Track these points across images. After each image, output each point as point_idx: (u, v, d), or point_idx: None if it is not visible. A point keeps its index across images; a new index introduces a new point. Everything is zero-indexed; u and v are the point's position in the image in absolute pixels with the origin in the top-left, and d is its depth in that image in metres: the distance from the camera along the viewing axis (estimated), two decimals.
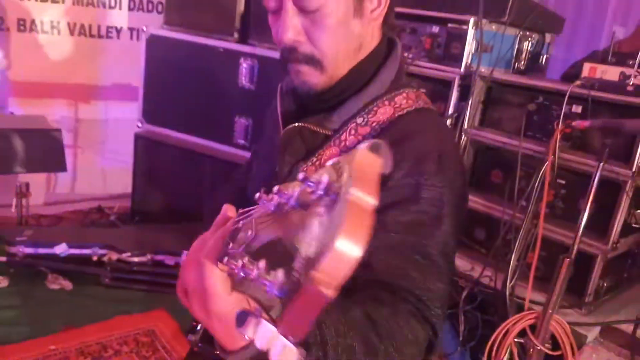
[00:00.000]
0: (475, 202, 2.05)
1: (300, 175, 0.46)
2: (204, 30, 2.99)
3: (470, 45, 2.03)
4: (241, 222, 0.58)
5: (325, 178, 0.42)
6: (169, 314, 2.55)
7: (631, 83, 1.68)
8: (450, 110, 2.07)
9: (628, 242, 1.85)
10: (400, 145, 0.84)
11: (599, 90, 1.73)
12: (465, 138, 2.08)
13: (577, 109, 1.80)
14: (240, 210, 0.63)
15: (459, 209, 0.87)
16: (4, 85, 3.22)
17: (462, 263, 2.02)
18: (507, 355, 1.51)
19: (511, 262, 1.75)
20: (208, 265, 0.56)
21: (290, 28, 0.86)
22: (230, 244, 0.55)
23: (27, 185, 3.06)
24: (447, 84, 2.08)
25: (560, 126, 1.47)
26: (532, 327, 1.49)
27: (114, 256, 2.71)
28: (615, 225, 1.71)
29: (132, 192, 3.37)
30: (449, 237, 0.83)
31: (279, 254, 0.43)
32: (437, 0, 2.13)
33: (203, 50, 2.97)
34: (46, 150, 2.83)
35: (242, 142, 2.93)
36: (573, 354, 1.50)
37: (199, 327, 0.98)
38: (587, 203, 1.37)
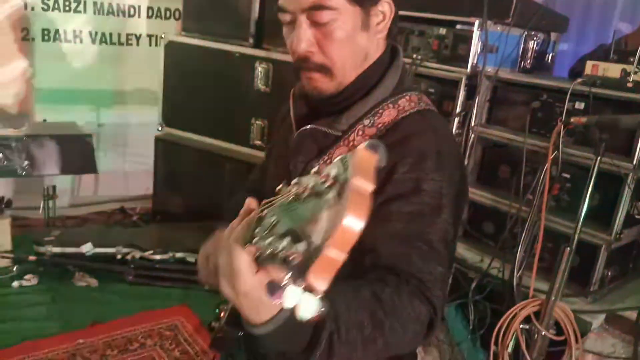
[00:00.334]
0: (484, 196, 2.12)
1: (315, 169, 0.58)
2: (219, 35, 3.08)
3: (475, 46, 2.10)
4: (265, 210, 0.68)
5: (334, 171, 0.53)
6: (190, 309, 2.63)
7: (631, 80, 1.73)
8: (458, 109, 2.14)
9: (632, 233, 1.90)
10: (403, 144, 0.94)
11: (600, 87, 1.79)
12: (473, 135, 2.15)
13: (580, 105, 1.86)
14: (264, 201, 0.72)
15: (458, 200, 0.96)
16: (30, 93, 3.33)
17: (471, 255, 2.10)
18: (513, 340, 1.58)
19: (518, 253, 1.82)
20: (236, 248, 0.64)
21: (304, 40, 0.95)
22: (257, 229, 0.64)
23: (54, 188, 3.16)
24: (454, 84, 2.15)
25: (559, 123, 1.54)
26: (537, 315, 1.56)
27: (137, 254, 2.81)
28: (618, 217, 1.77)
29: (153, 193, 3.48)
30: (449, 225, 0.92)
31: (299, 232, 0.53)
32: (444, 4, 2.19)
33: (219, 55, 3.05)
34: (79, 153, 2.95)
35: (258, 143, 3.01)
36: (577, 340, 1.56)
37: (222, 314, 1.08)
38: (585, 196, 1.43)
